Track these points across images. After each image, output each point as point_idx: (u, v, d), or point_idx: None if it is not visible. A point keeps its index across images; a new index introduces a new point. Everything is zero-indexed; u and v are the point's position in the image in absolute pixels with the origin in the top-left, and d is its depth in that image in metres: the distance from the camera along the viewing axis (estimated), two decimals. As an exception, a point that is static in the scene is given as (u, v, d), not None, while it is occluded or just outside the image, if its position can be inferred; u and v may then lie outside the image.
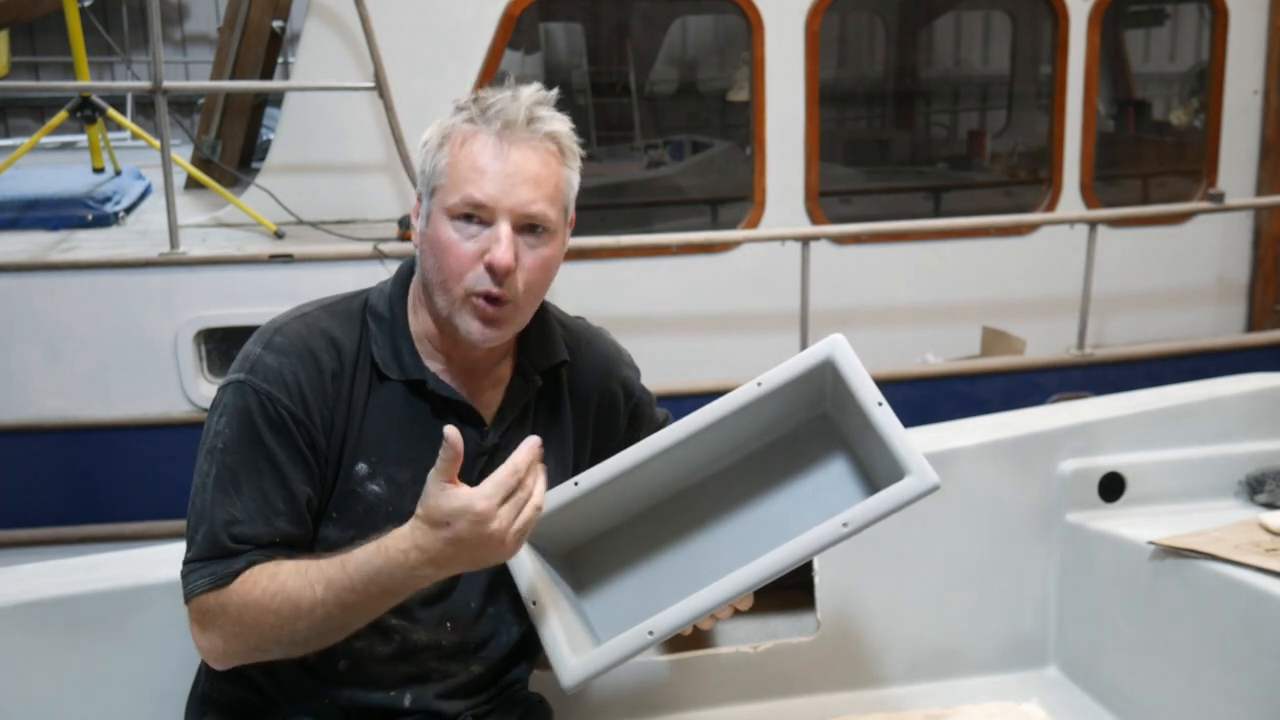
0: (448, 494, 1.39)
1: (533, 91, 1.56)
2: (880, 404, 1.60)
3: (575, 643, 1.60)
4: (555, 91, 1.59)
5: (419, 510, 1.42)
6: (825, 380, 1.68)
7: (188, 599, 1.54)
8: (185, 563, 1.55)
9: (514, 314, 1.57)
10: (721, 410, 1.65)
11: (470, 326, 1.55)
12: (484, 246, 1.51)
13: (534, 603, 1.64)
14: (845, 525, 1.55)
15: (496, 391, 1.69)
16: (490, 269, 1.51)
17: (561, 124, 1.57)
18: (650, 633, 1.55)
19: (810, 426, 1.74)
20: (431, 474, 1.40)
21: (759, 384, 1.65)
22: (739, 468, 1.75)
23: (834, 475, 1.74)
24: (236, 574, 1.51)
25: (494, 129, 1.52)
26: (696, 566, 1.72)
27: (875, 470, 1.68)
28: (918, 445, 1.58)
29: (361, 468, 1.59)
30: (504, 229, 1.51)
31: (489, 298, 1.53)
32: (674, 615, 1.56)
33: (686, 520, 1.76)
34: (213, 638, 1.54)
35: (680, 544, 1.76)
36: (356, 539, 1.57)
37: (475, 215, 1.52)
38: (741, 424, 1.68)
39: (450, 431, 1.37)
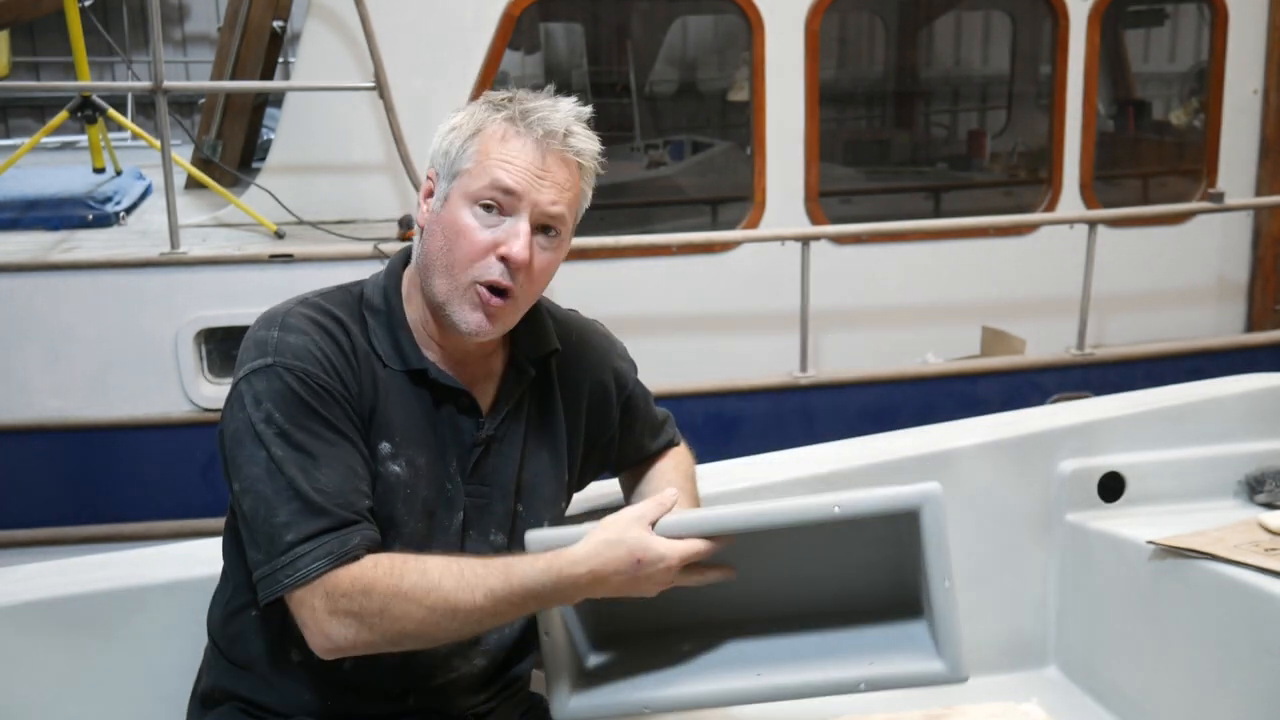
0: (656, 538, 1.53)
1: (571, 105, 1.60)
2: (947, 584, 1.57)
3: (577, 679, 1.65)
4: (589, 108, 1.63)
5: (608, 535, 1.52)
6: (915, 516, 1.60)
7: (304, 582, 1.44)
8: (285, 549, 1.45)
9: (513, 310, 1.59)
10: (789, 517, 1.59)
11: (468, 317, 1.56)
12: (499, 239, 1.54)
13: (546, 634, 1.66)
14: (863, 685, 1.60)
15: (491, 383, 1.69)
16: (505, 260, 1.54)
17: (591, 144, 1.61)
18: (645, 708, 1.61)
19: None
20: (641, 510, 1.55)
21: (836, 508, 1.57)
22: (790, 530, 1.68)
23: (884, 564, 1.67)
24: (354, 550, 1.46)
25: (534, 135, 1.55)
26: (715, 613, 1.71)
27: (919, 595, 1.63)
28: (963, 636, 1.59)
29: (385, 447, 1.59)
30: (523, 225, 1.54)
31: (495, 289, 1.55)
32: (671, 698, 1.61)
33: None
34: (346, 626, 1.46)
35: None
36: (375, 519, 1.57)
37: (498, 204, 1.54)
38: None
39: (668, 492, 1.59)
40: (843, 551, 1.67)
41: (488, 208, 1.54)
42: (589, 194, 1.64)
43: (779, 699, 1.61)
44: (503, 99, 1.61)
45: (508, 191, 1.53)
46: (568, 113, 1.59)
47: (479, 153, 1.55)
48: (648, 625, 1.73)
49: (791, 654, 1.66)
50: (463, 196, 1.55)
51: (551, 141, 1.55)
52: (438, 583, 1.47)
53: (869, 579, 1.69)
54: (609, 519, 1.55)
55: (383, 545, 1.53)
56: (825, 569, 1.69)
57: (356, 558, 1.47)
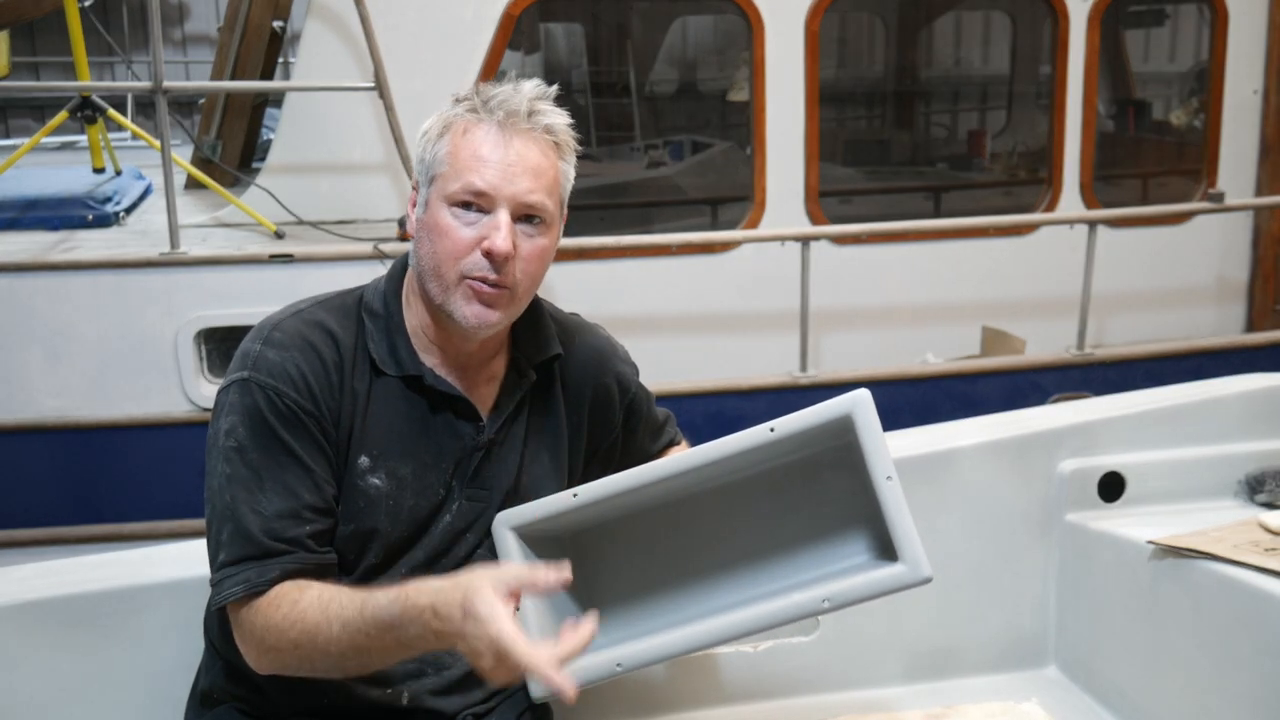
0: (494, 613, 1.33)
1: (534, 86, 1.59)
2: (889, 479, 1.58)
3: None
4: (555, 87, 1.62)
5: (462, 578, 1.38)
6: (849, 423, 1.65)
7: (226, 604, 1.51)
8: (218, 568, 1.52)
9: (510, 300, 1.58)
10: (731, 448, 1.63)
11: (465, 310, 1.55)
12: (482, 234, 1.54)
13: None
14: (826, 602, 1.58)
15: (491, 387, 1.69)
16: (489, 255, 1.53)
17: (560, 118, 1.60)
18: (618, 665, 1.60)
19: (832, 453, 1.70)
20: (493, 577, 1.37)
21: (771, 429, 1.62)
22: (754, 481, 1.73)
23: (845, 504, 1.70)
24: (270, 583, 1.49)
25: (496, 119, 1.55)
26: (690, 580, 1.74)
27: (880, 520, 1.65)
28: (916, 532, 1.58)
29: (363, 460, 1.59)
30: (503, 217, 1.53)
31: (486, 282, 1.55)
32: (643, 653, 1.61)
33: (692, 523, 1.75)
34: (248, 647, 1.53)
35: (681, 546, 1.76)
36: (355, 532, 1.58)
37: (475, 203, 1.54)
38: (754, 456, 1.67)
39: (552, 576, 1.37)
40: (807, 493, 1.71)
41: (465, 206, 1.54)
42: (571, 170, 1.62)
43: (745, 634, 1.61)
44: (465, 95, 1.60)
45: (480, 193, 1.53)
46: (529, 92, 1.58)
47: (450, 153, 1.55)
48: (625, 592, 1.76)
49: (763, 593, 1.67)
50: (440, 199, 1.55)
51: (515, 123, 1.54)
52: (303, 613, 1.47)
53: (837, 515, 1.71)
54: (478, 568, 1.42)
55: (323, 569, 1.54)
56: (794, 513, 1.73)
57: (265, 589, 1.50)
